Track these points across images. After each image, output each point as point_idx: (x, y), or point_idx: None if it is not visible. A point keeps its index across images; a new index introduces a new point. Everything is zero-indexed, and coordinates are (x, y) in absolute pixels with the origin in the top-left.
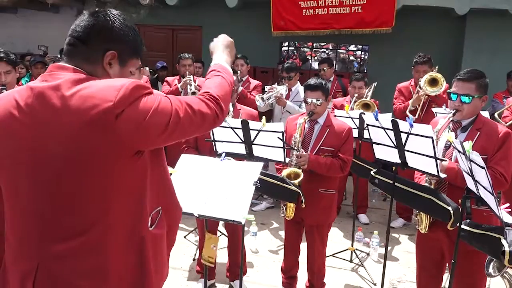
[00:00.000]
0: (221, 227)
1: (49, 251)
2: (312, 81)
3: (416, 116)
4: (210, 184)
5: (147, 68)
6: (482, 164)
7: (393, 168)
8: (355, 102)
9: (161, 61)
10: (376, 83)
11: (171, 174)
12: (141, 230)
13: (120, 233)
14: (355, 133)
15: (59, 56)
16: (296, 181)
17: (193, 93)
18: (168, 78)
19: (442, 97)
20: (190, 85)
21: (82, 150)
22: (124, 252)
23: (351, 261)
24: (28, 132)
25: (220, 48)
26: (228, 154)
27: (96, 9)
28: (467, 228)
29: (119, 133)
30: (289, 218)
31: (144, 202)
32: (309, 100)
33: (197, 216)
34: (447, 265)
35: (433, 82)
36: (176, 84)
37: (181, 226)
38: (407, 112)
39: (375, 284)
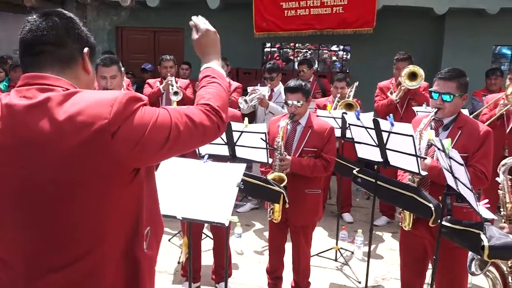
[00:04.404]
0: (206, 230)
1: (36, 285)
2: (291, 83)
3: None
4: (193, 186)
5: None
6: (461, 161)
7: (375, 167)
8: (338, 102)
9: (146, 63)
10: (357, 82)
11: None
12: (137, 251)
13: (116, 257)
14: (338, 133)
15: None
16: (281, 185)
17: (175, 93)
18: (150, 80)
19: (422, 95)
20: (172, 86)
21: (75, 173)
22: (120, 275)
23: (336, 260)
24: (11, 157)
25: (209, 48)
26: (211, 156)
27: (46, 10)
28: (448, 224)
29: (115, 153)
30: (276, 221)
31: (141, 222)
32: (290, 102)
33: (181, 218)
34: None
35: (412, 76)
36: (158, 86)
37: (165, 230)
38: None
39: (359, 282)
